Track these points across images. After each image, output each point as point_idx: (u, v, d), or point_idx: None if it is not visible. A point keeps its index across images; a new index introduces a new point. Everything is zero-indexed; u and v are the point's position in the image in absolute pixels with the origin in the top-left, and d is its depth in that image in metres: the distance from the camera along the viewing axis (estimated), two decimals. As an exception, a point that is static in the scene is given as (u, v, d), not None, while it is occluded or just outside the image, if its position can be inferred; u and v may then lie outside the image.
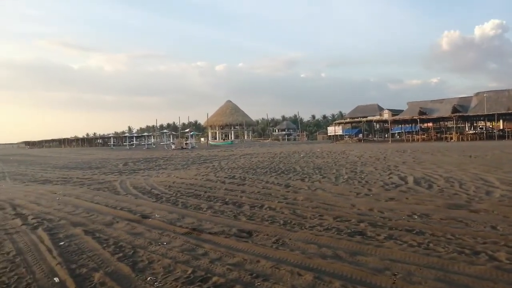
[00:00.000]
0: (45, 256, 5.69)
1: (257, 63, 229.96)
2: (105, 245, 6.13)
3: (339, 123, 63.38)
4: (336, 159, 20.61)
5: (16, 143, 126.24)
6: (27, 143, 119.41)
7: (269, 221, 7.35)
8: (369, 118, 64.45)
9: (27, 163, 31.64)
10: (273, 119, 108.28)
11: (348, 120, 67.38)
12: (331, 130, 67.27)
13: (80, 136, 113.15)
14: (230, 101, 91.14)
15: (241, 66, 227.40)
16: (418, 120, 53.98)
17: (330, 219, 7.31)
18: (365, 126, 65.43)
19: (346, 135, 63.66)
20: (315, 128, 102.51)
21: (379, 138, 63.47)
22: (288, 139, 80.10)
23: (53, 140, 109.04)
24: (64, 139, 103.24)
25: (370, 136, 66.30)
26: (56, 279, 4.73)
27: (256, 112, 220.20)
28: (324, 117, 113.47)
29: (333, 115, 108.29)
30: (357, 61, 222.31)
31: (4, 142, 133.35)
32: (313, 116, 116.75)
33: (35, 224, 7.80)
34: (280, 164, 18.82)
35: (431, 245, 5.51)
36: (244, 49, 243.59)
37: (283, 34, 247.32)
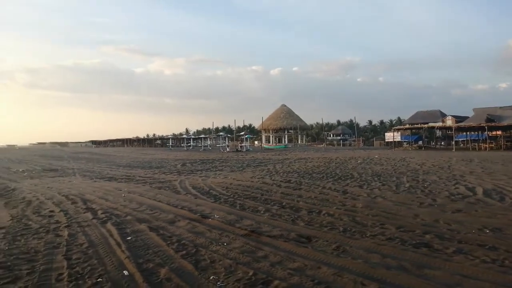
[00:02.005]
0: (115, 249, 6.03)
1: (312, 67, 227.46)
2: (168, 242, 6.36)
3: (398, 129, 60.97)
4: (396, 166, 19.85)
5: (84, 142, 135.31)
6: (94, 142, 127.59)
7: (328, 228, 7.23)
8: (431, 124, 61.37)
9: (94, 161, 33.78)
10: (327, 124, 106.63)
11: (407, 126, 64.67)
12: (388, 136, 64.86)
13: (141, 136, 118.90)
14: (285, 105, 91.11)
15: (296, 70, 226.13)
16: (486, 127, 50.49)
17: (392, 228, 7.04)
18: (426, 132, 62.39)
19: (404, 141, 61.06)
20: (371, 133, 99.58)
21: (441, 146, 60.21)
22: (343, 144, 78.43)
23: (117, 140, 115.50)
24: (126, 139, 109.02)
25: (431, 144, 63.08)
26: (126, 272, 4.98)
27: (310, 116, 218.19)
28: (382, 122, 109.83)
29: (391, 121, 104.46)
30: (417, 65, 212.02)
31: (74, 141, 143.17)
32: (370, 122, 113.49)
33: (104, 219, 8.29)
34: (336, 169, 18.48)
35: (506, 262, 5.12)
36: (299, 54, 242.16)
37: (339, 38, 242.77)
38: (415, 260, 5.25)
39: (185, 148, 68.04)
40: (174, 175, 18.39)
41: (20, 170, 25.02)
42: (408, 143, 59.40)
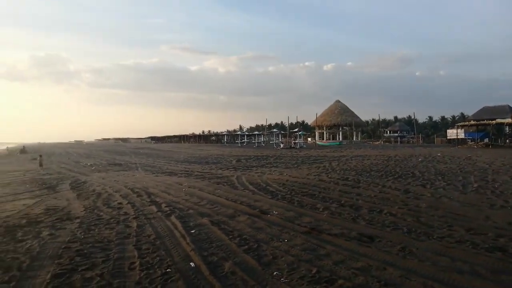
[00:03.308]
0: (180, 241, 6.28)
1: (367, 61, 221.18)
2: (230, 236, 6.51)
3: (462, 126, 57.43)
4: (461, 165, 18.73)
5: (144, 138, 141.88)
6: (153, 138, 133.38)
7: (391, 228, 7.01)
8: (499, 120, 57.09)
9: (154, 156, 35.32)
10: (384, 120, 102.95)
11: (472, 122, 60.70)
12: (451, 133, 61.33)
13: (197, 133, 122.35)
14: (339, 101, 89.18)
15: (350, 65, 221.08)
16: None
17: (461, 230, 6.67)
18: (493, 129, 58.16)
19: (468, 139, 57.37)
20: (432, 130, 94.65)
21: (510, 144, 55.88)
22: (401, 142, 75.35)
23: (174, 136, 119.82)
24: (183, 136, 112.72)
25: (499, 141, 58.75)
26: (192, 264, 5.17)
27: (365, 112, 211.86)
28: (443, 118, 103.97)
29: (453, 117, 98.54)
30: (483, 57, 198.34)
31: (135, 137, 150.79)
32: (430, 118, 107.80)
33: (168, 212, 8.66)
34: (396, 167, 17.82)
35: None
36: (353, 48, 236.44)
37: (395, 30, 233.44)
38: (489, 265, 4.94)
39: (239, 145, 69.04)
40: (231, 170, 18.74)
41: (88, 164, 26.81)
42: (473, 140, 55.76)
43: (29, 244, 6.25)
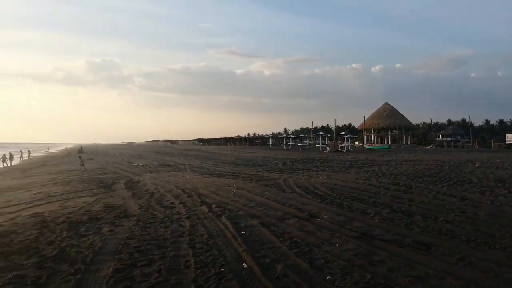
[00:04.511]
0: (232, 242, 6.40)
1: (417, 63, 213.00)
2: (281, 239, 6.54)
3: (523, 130, 53.84)
4: (523, 171, 17.53)
5: (191, 140, 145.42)
6: (200, 140, 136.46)
7: (448, 236, 6.72)
8: None
9: (201, 158, 36.14)
10: (436, 123, 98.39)
11: (535, 126, 56.64)
12: (510, 137, 57.73)
13: (242, 135, 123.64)
14: (388, 104, 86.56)
15: (399, 66, 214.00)
16: None
17: (527, 241, 6.26)
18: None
19: (531, 143, 53.64)
20: (488, 134, 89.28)
21: None
22: (455, 146, 71.76)
23: (220, 138, 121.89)
24: (229, 138, 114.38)
25: None
26: (245, 265, 5.26)
27: (416, 115, 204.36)
28: (501, 122, 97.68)
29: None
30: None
31: (183, 139, 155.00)
32: (487, 121, 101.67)
33: (218, 212, 8.85)
34: (450, 173, 17.02)
35: None
36: (402, 49, 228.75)
37: (447, 30, 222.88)
38: (561, 280, 4.61)
39: (284, 147, 68.93)
40: (277, 173, 18.78)
41: (140, 164, 27.94)
42: (536, 145, 52.05)
43: (91, 239, 6.65)
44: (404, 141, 79.28)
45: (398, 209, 9.16)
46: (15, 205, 10.96)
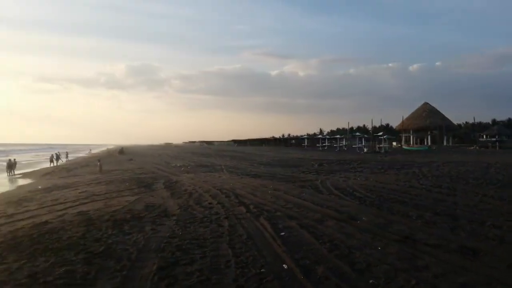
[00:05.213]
0: (271, 243, 6.41)
1: (458, 61, 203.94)
2: (320, 241, 6.48)
3: None
4: None
5: (227, 141, 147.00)
6: (235, 141, 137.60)
7: (497, 241, 6.42)
8: None
9: (237, 159, 36.43)
10: (480, 123, 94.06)
11: None
12: None
13: (277, 136, 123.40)
14: (427, 103, 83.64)
15: (439, 65, 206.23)
16: None
17: None
18: None
19: None
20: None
21: None
22: (500, 147, 68.25)
23: (255, 139, 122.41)
24: (263, 139, 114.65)
25: None
26: (285, 266, 5.25)
27: (457, 115, 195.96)
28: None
29: None
30: None
31: (218, 140, 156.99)
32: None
33: (256, 213, 8.89)
34: (497, 175, 16.22)
35: None
36: (442, 47, 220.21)
37: (490, 26, 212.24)
38: None
39: (320, 148, 68.25)
40: (313, 174, 18.62)
41: (178, 165, 28.56)
42: None
43: (135, 237, 6.87)
44: (445, 141, 76.40)
45: (442, 212, 8.84)
46: (62, 203, 11.50)
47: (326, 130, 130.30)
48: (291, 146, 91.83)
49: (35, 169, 33.95)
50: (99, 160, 26.62)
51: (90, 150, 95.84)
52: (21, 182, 23.13)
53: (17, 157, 36.72)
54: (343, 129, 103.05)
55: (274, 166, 25.89)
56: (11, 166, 28.34)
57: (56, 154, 41.38)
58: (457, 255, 5.65)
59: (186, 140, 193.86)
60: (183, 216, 8.72)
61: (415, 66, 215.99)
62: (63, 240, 6.79)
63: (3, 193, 16.66)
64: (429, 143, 74.30)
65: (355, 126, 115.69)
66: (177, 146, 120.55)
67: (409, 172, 18.90)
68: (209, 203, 10.44)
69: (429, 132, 77.85)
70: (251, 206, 9.76)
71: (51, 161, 38.33)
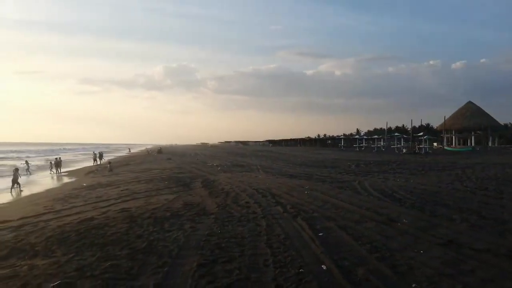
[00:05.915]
0: (309, 243, 6.38)
1: (505, 57, 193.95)
2: (360, 242, 6.37)
3: None
4: None
5: (262, 141, 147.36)
6: (270, 142, 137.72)
7: (550, 247, 6.05)
8: None
9: (273, 159, 36.45)
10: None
11: None
12: None
13: (312, 136, 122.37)
14: (471, 103, 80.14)
15: (484, 62, 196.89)
16: None
17: None
18: None
19: None
20: None
21: None
22: (552, 148, 64.24)
23: (290, 140, 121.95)
24: (299, 139, 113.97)
25: None
26: (324, 267, 5.20)
27: (504, 115, 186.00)
28: None
29: None
30: None
31: (253, 140, 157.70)
32: None
33: (293, 213, 8.86)
34: (549, 178, 15.30)
35: None
36: (487, 42, 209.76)
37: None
38: None
39: (357, 149, 67.01)
40: (351, 175, 18.32)
41: (214, 164, 28.95)
42: None
43: (175, 235, 7.04)
44: (490, 142, 72.90)
45: (488, 216, 8.44)
46: (106, 200, 11.98)
47: (364, 130, 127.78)
48: (327, 147, 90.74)
49: (79, 167, 35.54)
50: (109, 163, 27.81)
51: (129, 149, 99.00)
52: (66, 179, 24.31)
53: (63, 156, 38.57)
54: (381, 129, 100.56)
55: (310, 166, 25.69)
56: (58, 164, 29.86)
57: (99, 153, 43.12)
58: (506, 260, 5.39)
59: (222, 140, 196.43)
60: (221, 215, 8.84)
61: (458, 63, 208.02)
62: (107, 236, 7.07)
63: (50, 190, 17.58)
64: (472, 144, 71.20)
65: (393, 126, 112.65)
66: (213, 146, 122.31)
67: (452, 173, 18.19)
68: (246, 202, 10.51)
69: (473, 133, 74.58)
70: (288, 206, 9.74)
71: (94, 159, 39.99)
